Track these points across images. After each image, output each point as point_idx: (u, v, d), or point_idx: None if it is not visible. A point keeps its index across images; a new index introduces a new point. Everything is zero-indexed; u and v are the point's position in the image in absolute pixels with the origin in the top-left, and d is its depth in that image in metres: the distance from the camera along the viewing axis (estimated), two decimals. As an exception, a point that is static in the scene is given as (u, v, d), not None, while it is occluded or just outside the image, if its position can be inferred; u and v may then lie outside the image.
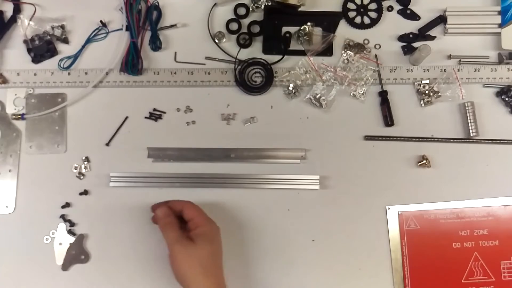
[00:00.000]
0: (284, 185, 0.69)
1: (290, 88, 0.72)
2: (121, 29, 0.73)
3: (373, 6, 0.75)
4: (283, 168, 0.71)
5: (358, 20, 0.75)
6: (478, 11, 0.74)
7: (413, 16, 0.75)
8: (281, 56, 0.73)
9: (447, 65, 0.74)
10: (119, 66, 0.71)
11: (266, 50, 0.74)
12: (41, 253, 0.68)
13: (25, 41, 0.72)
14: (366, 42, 0.74)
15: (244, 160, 0.70)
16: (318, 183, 0.69)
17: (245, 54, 0.73)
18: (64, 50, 0.73)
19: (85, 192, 0.69)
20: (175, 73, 0.72)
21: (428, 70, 0.73)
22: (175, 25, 0.74)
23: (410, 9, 0.75)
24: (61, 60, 0.72)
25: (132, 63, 0.70)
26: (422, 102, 0.72)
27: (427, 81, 0.72)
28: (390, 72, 0.73)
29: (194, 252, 0.58)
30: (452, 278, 0.69)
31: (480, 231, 0.70)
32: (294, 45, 0.74)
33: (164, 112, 0.72)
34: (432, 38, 0.74)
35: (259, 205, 0.70)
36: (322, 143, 0.71)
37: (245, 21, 0.75)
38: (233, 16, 0.74)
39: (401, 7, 0.76)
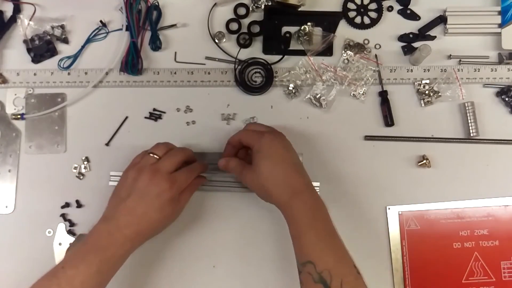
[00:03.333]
0: (284, 185, 0.69)
1: (290, 88, 0.72)
2: (121, 29, 0.73)
3: (373, 6, 0.75)
4: (283, 168, 0.70)
5: (358, 20, 0.75)
6: (478, 11, 0.74)
7: (413, 16, 0.75)
8: (281, 56, 0.73)
9: (447, 65, 0.74)
10: (119, 66, 0.71)
11: (266, 50, 0.74)
12: (40, 253, 0.67)
13: (25, 41, 0.72)
14: (366, 42, 0.74)
15: (244, 160, 0.70)
16: (318, 183, 0.69)
17: (245, 54, 0.73)
18: (64, 50, 0.73)
19: (79, 205, 0.69)
20: (175, 73, 0.72)
21: (428, 70, 0.73)
22: (175, 25, 0.74)
23: (410, 9, 0.75)
24: (61, 60, 0.72)
25: (132, 63, 0.70)
26: (422, 102, 0.72)
27: (427, 81, 0.72)
28: (390, 72, 0.73)
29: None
30: (453, 278, 0.69)
31: (480, 231, 0.70)
32: (294, 45, 0.74)
33: (164, 112, 0.72)
34: (432, 38, 0.74)
35: (260, 205, 0.69)
36: (322, 143, 0.71)
37: (245, 21, 0.74)
38: (233, 16, 0.74)
39: (401, 7, 0.75)
